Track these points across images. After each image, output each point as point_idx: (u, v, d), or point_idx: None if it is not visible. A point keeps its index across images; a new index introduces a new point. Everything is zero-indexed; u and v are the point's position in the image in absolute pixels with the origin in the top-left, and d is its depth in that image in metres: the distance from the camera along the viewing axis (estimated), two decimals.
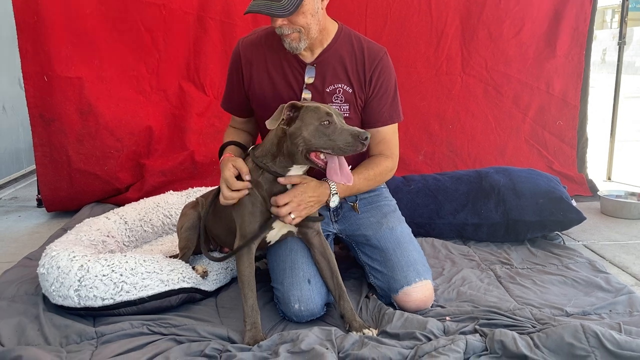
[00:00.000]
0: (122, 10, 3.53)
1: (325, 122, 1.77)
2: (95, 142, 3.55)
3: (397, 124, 2.17)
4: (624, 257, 2.69)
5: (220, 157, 2.11)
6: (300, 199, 1.88)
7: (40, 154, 3.53)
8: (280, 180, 1.89)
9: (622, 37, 4.09)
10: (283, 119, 1.82)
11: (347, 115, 2.10)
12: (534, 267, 2.48)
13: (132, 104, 3.64)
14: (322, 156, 1.82)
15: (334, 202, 1.98)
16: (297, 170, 1.89)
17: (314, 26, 1.96)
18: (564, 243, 2.78)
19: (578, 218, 2.72)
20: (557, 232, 2.84)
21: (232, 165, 1.93)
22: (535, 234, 2.76)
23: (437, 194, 2.85)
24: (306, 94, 2.07)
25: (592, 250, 2.78)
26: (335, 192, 1.97)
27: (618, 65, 4.15)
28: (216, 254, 2.36)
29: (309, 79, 2.07)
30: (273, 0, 1.85)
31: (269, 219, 1.91)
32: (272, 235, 2.00)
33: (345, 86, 2.08)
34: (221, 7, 3.63)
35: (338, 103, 2.09)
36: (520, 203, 2.73)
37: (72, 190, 3.56)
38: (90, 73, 3.51)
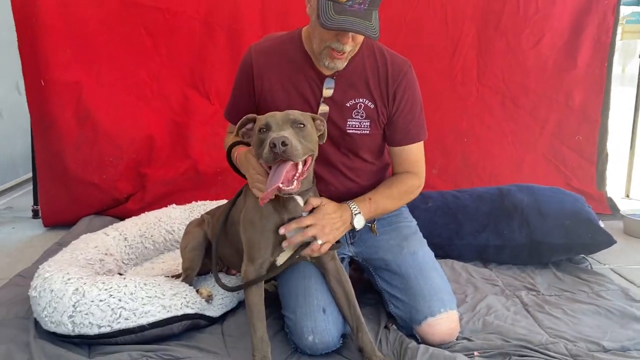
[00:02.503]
0: (122, 14, 3.39)
1: (262, 130, 1.64)
2: (93, 149, 3.41)
3: (422, 142, 2.02)
4: None
5: (229, 160, 1.95)
6: (324, 222, 1.73)
7: (40, 161, 3.40)
8: (304, 209, 1.75)
9: None
10: (240, 138, 1.77)
11: (368, 132, 1.94)
12: (562, 294, 2.32)
13: (132, 110, 3.49)
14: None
15: (359, 222, 1.84)
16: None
17: (359, 45, 1.86)
18: (591, 267, 2.62)
19: (608, 241, 2.56)
20: (583, 255, 2.68)
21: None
22: (560, 257, 2.60)
23: (457, 213, 2.69)
24: (323, 108, 1.92)
25: (620, 275, 2.61)
26: (357, 212, 1.83)
27: (639, 79, 3.99)
28: (222, 276, 2.21)
29: (327, 91, 1.92)
30: (364, 19, 1.69)
31: (281, 240, 1.75)
32: (282, 259, 1.82)
33: (367, 101, 1.92)
34: (228, 13, 3.48)
35: (358, 119, 1.93)
36: (545, 224, 2.57)
37: (69, 200, 3.40)
38: (89, 78, 3.38)
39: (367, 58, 1.93)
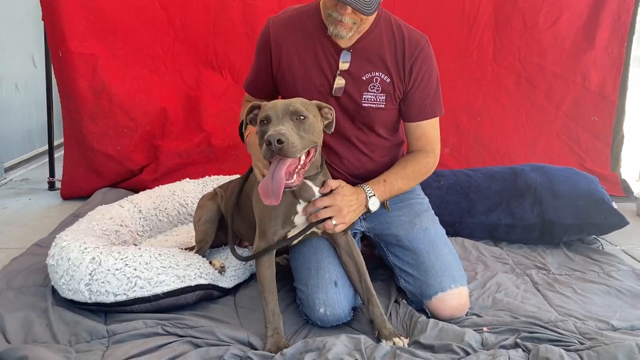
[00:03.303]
0: None
1: (263, 122, 1.61)
2: (109, 121, 3.46)
3: (438, 118, 2.01)
4: None
5: (241, 135, 1.96)
6: (341, 204, 1.74)
7: (66, 130, 3.48)
8: (321, 190, 1.76)
9: None
10: (248, 123, 1.75)
11: (383, 106, 1.94)
12: (572, 273, 2.32)
13: (146, 83, 3.53)
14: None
15: (374, 204, 1.86)
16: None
17: (369, 21, 1.85)
18: (603, 248, 2.62)
19: (620, 222, 2.55)
20: (594, 236, 2.67)
21: None
22: (572, 237, 2.60)
23: (469, 192, 2.68)
24: (339, 81, 1.92)
25: (632, 257, 2.61)
26: (372, 194, 1.85)
27: None
28: (237, 249, 2.23)
29: (343, 64, 1.91)
30: None
31: (293, 214, 1.77)
32: (293, 234, 1.82)
33: (383, 75, 1.92)
34: None
35: (374, 92, 1.93)
36: (558, 204, 2.56)
37: (86, 170, 3.47)
38: (104, 50, 3.41)
39: (384, 32, 1.92)
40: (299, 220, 1.78)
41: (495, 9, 3.63)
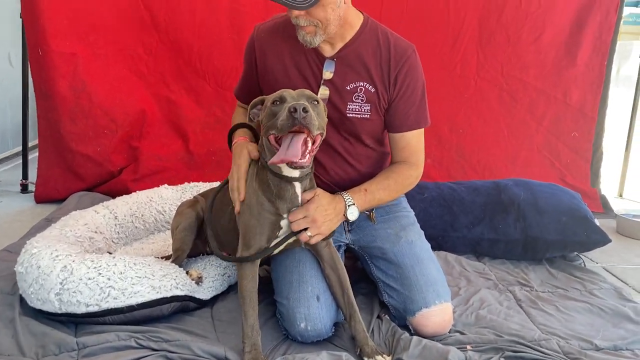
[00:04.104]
0: None
1: (276, 102, 1.61)
2: (88, 121, 3.38)
3: (423, 129, 1.98)
4: None
5: (229, 142, 1.92)
6: (315, 215, 1.69)
7: (41, 130, 3.38)
8: (303, 197, 1.73)
9: None
10: (252, 119, 1.74)
11: (368, 116, 1.90)
12: (555, 290, 2.31)
13: (127, 83, 3.46)
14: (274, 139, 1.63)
15: (352, 214, 1.81)
16: (289, 172, 1.67)
17: (333, 21, 1.77)
18: (585, 265, 2.61)
19: (603, 240, 2.55)
20: (576, 252, 2.67)
21: (249, 152, 1.76)
22: (555, 253, 2.59)
23: (453, 205, 2.66)
24: (324, 91, 1.88)
25: (613, 274, 2.61)
26: (351, 203, 1.80)
27: (638, 79, 3.98)
28: (213, 257, 2.18)
29: (327, 73, 1.88)
30: None
31: (278, 230, 1.73)
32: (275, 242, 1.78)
33: (367, 85, 1.88)
34: None
35: (359, 103, 1.89)
36: (541, 220, 2.55)
37: (64, 172, 3.38)
38: (85, 49, 3.33)
39: (369, 40, 1.89)
40: (284, 234, 1.75)
41: (479, 23, 3.63)
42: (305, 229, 1.71)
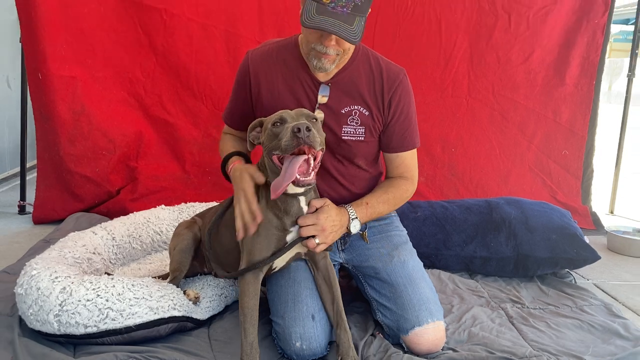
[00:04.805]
0: (120, 12, 3.41)
1: (277, 124, 1.67)
2: (87, 142, 3.44)
3: (416, 148, 2.05)
4: (637, 299, 2.57)
5: (223, 169, 1.96)
6: (324, 224, 1.75)
7: (40, 152, 3.43)
8: (312, 204, 1.79)
9: (631, 69, 4.01)
10: (251, 142, 1.80)
11: (363, 139, 1.96)
12: (546, 307, 2.35)
13: (125, 106, 3.53)
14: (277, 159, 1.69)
15: (355, 227, 1.88)
16: (294, 189, 1.73)
17: (349, 52, 1.88)
18: (575, 281, 2.66)
19: (592, 257, 2.60)
20: (567, 269, 2.71)
21: (251, 176, 1.79)
22: (545, 270, 2.63)
23: (445, 223, 2.71)
24: (319, 114, 1.93)
25: (603, 291, 2.66)
26: (354, 216, 1.86)
27: (626, 97, 4.06)
28: (211, 278, 2.21)
29: (322, 98, 1.93)
30: (345, 22, 1.71)
31: (284, 245, 1.77)
32: (281, 259, 1.82)
33: (362, 108, 1.94)
34: (226, 16, 3.51)
35: (353, 125, 1.95)
36: (532, 238, 2.60)
37: (62, 193, 3.42)
38: (84, 72, 3.40)
39: (362, 66, 1.96)
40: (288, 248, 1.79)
41: (470, 44, 3.72)
42: (313, 237, 1.76)
